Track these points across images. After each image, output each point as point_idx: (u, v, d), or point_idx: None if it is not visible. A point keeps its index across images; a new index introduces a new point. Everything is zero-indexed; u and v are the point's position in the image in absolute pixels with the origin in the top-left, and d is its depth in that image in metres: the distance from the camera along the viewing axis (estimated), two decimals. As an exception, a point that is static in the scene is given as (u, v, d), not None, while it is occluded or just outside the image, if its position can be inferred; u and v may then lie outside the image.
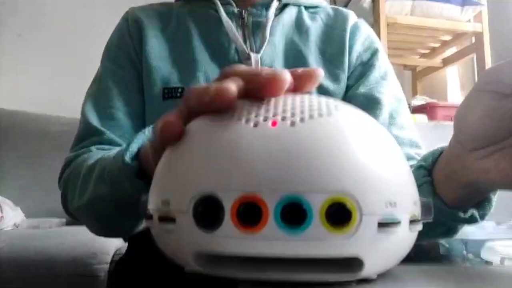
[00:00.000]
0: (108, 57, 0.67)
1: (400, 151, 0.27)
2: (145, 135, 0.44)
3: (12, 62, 2.09)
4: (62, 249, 1.21)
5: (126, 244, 0.70)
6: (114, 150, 0.50)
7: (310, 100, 0.26)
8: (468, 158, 0.36)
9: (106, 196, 0.47)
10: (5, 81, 2.05)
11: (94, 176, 0.49)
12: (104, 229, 0.58)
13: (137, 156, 0.42)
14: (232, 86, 0.25)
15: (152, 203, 0.26)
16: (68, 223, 1.56)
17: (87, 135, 0.61)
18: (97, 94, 0.65)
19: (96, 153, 0.56)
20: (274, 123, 0.24)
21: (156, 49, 0.64)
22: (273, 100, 0.27)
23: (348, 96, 0.65)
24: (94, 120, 0.61)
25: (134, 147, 0.42)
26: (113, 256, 1.23)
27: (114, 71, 0.65)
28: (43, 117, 1.90)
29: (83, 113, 0.64)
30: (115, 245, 1.26)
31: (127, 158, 0.41)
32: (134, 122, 0.63)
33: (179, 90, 0.60)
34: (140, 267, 0.61)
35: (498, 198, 0.43)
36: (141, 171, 0.41)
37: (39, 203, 1.66)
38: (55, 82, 2.06)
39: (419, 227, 0.26)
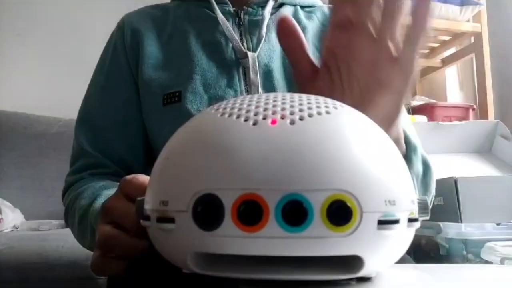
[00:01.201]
0: (100, 70, 0.68)
1: (397, 149, 0.27)
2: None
3: (12, 62, 2.09)
4: (62, 252, 1.21)
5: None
6: (102, 195, 0.52)
7: (309, 99, 0.27)
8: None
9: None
10: (4, 82, 2.05)
11: (88, 229, 0.53)
12: None
13: None
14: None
15: (150, 204, 0.26)
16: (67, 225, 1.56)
17: (80, 157, 0.64)
18: (88, 115, 0.66)
19: (88, 185, 0.58)
20: (273, 122, 0.24)
21: (154, 59, 0.64)
22: (272, 98, 0.27)
23: None
24: (85, 143, 0.64)
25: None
26: (113, 258, 1.23)
27: (105, 87, 0.66)
28: (43, 119, 1.90)
29: (75, 134, 0.66)
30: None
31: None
32: (128, 141, 0.64)
33: (177, 94, 0.61)
34: (140, 269, 0.61)
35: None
36: None
37: (38, 205, 1.66)
38: (55, 83, 2.06)
39: (417, 225, 0.26)
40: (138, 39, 0.65)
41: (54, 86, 2.06)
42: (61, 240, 1.28)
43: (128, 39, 0.66)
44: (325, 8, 0.72)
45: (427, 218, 0.28)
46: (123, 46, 0.66)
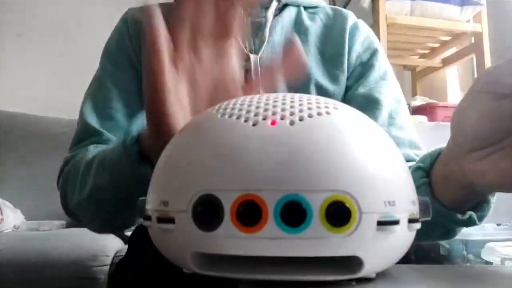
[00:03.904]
0: (107, 58, 0.67)
1: (398, 150, 0.27)
2: (143, 121, 0.44)
3: (12, 62, 2.09)
4: (62, 251, 1.21)
5: (126, 246, 0.70)
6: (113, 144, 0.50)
7: (309, 99, 0.26)
8: (466, 159, 0.36)
9: (107, 186, 0.47)
10: (5, 82, 2.05)
11: (94, 167, 0.50)
12: (103, 223, 0.58)
13: (137, 141, 0.43)
14: None
15: (151, 204, 0.26)
16: (68, 225, 1.56)
17: (85, 136, 0.61)
18: (96, 95, 0.65)
19: (94, 149, 0.56)
20: (273, 122, 0.24)
21: None
22: (272, 98, 0.27)
23: (348, 97, 0.65)
24: (92, 120, 0.62)
25: (133, 132, 0.42)
26: (113, 258, 1.23)
27: (113, 72, 0.65)
28: (43, 119, 1.90)
29: (81, 114, 0.64)
30: (115, 247, 1.26)
31: (127, 142, 0.42)
32: (133, 123, 0.63)
33: None
34: (140, 269, 0.60)
35: (498, 199, 0.43)
36: (142, 156, 0.42)
37: (39, 205, 1.66)
38: (55, 84, 2.06)
39: (418, 226, 0.26)
40: (140, 30, 0.65)
41: (55, 86, 2.06)
42: (61, 240, 1.28)
43: (131, 30, 0.66)
44: (328, 9, 0.72)
45: (429, 219, 0.27)
46: (128, 35, 0.66)
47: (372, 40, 0.70)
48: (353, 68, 0.66)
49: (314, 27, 0.68)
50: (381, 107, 0.62)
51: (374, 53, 0.67)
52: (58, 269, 1.17)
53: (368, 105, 0.62)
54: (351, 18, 0.70)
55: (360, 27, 0.69)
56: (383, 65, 0.67)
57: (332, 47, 0.66)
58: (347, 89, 0.65)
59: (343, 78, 0.65)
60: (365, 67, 0.66)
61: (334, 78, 0.64)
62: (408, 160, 0.57)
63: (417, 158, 0.58)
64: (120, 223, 0.58)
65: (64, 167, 0.61)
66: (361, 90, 0.64)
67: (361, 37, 0.68)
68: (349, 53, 0.66)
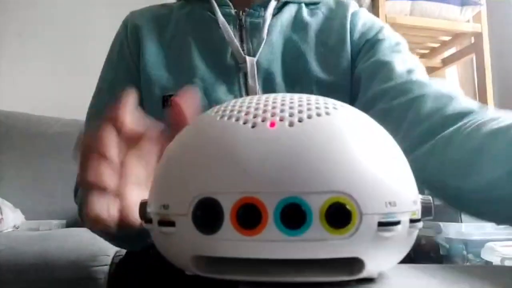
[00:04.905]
0: (109, 66, 0.68)
1: (398, 149, 0.27)
2: None
3: (12, 62, 2.08)
4: (62, 251, 1.21)
5: (126, 246, 0.70)
6: None
7: (309, 100, 0.26)
8: None
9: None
10: (5, 82, 2.04)
11: None
12: (119, 246, 0.62)
13: None
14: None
15: (152, 207, 0.26)
16: (68, 225, 1.56)
17: None
18: (98, 110, 0.65)
19: None
20: (272, 124, 0.24)
21: (154, 57, 0.64)
22: (271, 100, 0.27)
23: (357, 72, 0.62)
24: None
25: None
26: (113, 258, 1.23)
27: (114, 82, 0.66)
28: (43, 119, 1.90)
29: (85, 125, 0.65)
30: (115, 247, 1.26)
31: None
32: None
33: None
34: (140, 269, 0.61)
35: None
36: None
37: (39, 205, 1.66)
38: (55, 83, 2.06)
39: (419, 225, 0.26)
40: (138, 36, 0.65)
41: (54, 86, 2.06)
42: (61, 240, 1.28)
43: (129, 35, 0.66)
44: (331, 2, 0.71)
45: (431, 218, 0.27)
46: (127, 42, 0.66)
47: (375, 21, 0.68)
48: (359, 47, 0.64)
49: (315, 21, 0.67)
50: (392, 67, 0.58)
51: (380, 29, 0.66)
52: (58, 269, 1.17)
53: (379, 70, 0.59)
54: (352, 6, 0.69)
55: (360, 13, 0.68)
56: (392, 36, 0.65)
57: (333, 36, 0.65)
58: (356, 68, 0.63)
59: (347, 63, 0.63)
60: (372, 41, 0.64)
61: (335, 69, 0.63)
62: (467, 113, 0.47)
63: (473, 107, 0.49)
64: (136, 246, 0.59)
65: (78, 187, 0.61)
66: (371, 59, 0.61)
67: (362, 20, 0.67)
68: (352, 35, 0.65)
